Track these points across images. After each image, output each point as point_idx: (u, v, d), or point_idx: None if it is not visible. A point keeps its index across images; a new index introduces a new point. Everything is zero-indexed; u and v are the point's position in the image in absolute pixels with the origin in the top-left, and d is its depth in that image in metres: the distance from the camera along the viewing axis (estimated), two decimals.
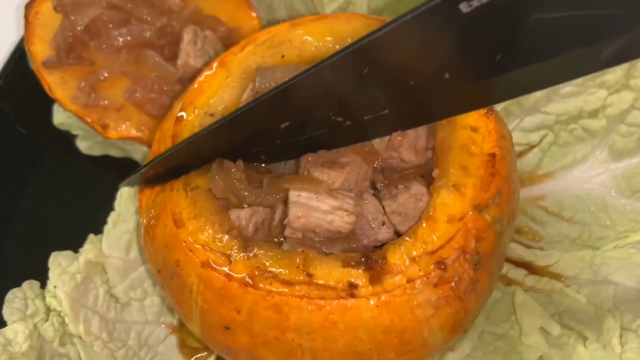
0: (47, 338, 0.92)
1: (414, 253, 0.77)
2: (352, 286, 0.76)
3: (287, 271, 0.77)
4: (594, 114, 1.11)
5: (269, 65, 0.89)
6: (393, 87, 0.77)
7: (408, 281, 0.76)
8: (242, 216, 0.81)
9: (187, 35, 1.09)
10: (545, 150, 1.17)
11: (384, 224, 0.83)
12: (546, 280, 1.08)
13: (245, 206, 0.83)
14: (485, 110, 0.86)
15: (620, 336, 0.96)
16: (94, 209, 1.07)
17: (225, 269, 0.78)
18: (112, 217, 1.05)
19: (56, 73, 1.10)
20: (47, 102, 1.13)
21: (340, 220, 0.80)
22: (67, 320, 0.94)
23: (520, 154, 1.18)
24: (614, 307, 1.02)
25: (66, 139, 1.15)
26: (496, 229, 0.83)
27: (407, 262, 0.77)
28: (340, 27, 0.90)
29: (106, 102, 1.09)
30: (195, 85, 0.91)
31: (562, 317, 1.05)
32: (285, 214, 0.82)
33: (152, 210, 0.88)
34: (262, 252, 0.78)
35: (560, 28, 0.67)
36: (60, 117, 1.14)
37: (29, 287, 0.95)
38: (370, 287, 0.76)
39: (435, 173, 0.82)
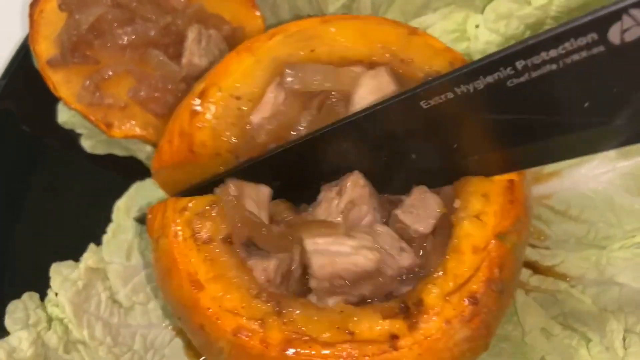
0: (51, 346, 0.92)
1: (447, 289, 0.76)
2: (394, 337, 0.74)
3: (328, 333, 0.74)
4: None
5: (298, 57, 0.86)
6: (425, 147, 0.79)
7: (445, 322, 0.75)
8: (270, 269, 0.78)
9: (191, 34, 1.07)
10: None
11: (402, 249, 0.81)
12: (551, 280, 1.07)
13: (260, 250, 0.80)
14: None
15: (624, 339, 0.95)
16: (95, 217, 1.06)
17: (260, 336, 0.74)
18: (111, 228, 1.05)
19: (61, 72, 1.08)
20: (51, 101, 1.12)
21: (365, 259, 0.77)
22: (70, 326, 0.94)
23: None
24: (619, 309, 1.01)
25: (70, 138, 1.14)
26: (516, 254, 0.83)
27: (442, 301, 0.76)
28: (371, 31, 0.88)
29: (110, 101, 1.07)
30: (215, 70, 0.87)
31: (566, 318, 1.04)
32: (302, 258, 0.80)
33: (159, 258, 0.83)
34: (297, 313, 0.75)
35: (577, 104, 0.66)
36: (64, 116, 1.13)
37: (29, 298, 0.95)
38: (410, 336, 0.75)
39: (456, 204, 0.82)
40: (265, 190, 0.86)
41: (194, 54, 1.07)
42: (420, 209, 0.82)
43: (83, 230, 1.05)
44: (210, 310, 0.75)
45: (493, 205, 0.80)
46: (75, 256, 1.02)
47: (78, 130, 1.14)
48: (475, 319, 0.77)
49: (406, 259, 0.81)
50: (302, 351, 0.73)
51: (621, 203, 1.12)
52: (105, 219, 1.06)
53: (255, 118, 0.85)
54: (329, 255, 0.78)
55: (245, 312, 0.75)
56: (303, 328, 0.74)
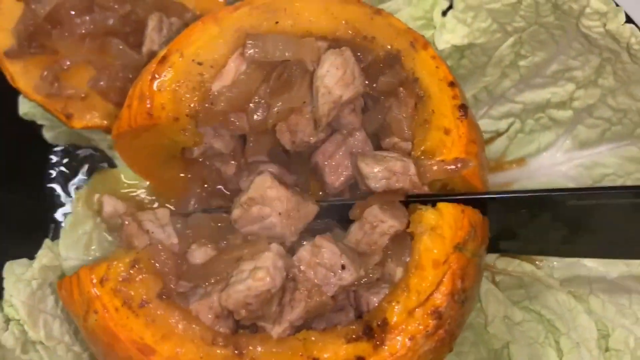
0: (8, 347, 0.85)
1: (410, 306, 0.73)
2: (359, 359, 0.71)
3: None
4: (561, 105, 1.04)
5: (261, 29, 0.81)
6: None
7: (410, 339, 0.72)
8: (215, 304, 0.73)
9: (151, 22, 0.99)
10: (512, 137, 1.10)
11: (344, 267, 0.75)
12: (517, 262, 1.01)
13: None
14: (460, 114, 0.81)
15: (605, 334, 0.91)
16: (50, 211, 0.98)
17: None
18: (68, 220, 0.97)
19: (18, 63, 0.99)
20: (12, 93, 1.03)
21: (256, 281, 0.71)
22: (26, 327, 0.87)
23: (488, 142, 1.11)
24: (590, 292, 0.95)
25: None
26: (476, 261, 0.79)
27: (405, 318, 0.73)
28: (336, 7, 0.83)
29: (70, 92, 0.99)
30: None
31: (532, 303, 0.98)
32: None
33: (94, 335, 0.75)
34: (258, 350, 0.71)
35: None
36: (25, 108, 1.05)
37: None
38: (376, 355, 0.71)
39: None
40: (162, 212, 0.82)
41: (154, 42, 0.99)
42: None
43: (38, 225, 0.96)
44: None
45: (446, 217, 0.76)
46: (30, 253, 0.94)
47: (39, 122, 1.06)
48: (439, 330, 0.74)
49: (347, 277, 0.75)
50: None
51: None
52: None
53: (216, 86, 0.79)
54: (229, 286, 0.73)
55: None
56: None
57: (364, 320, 0.74)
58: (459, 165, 0.77)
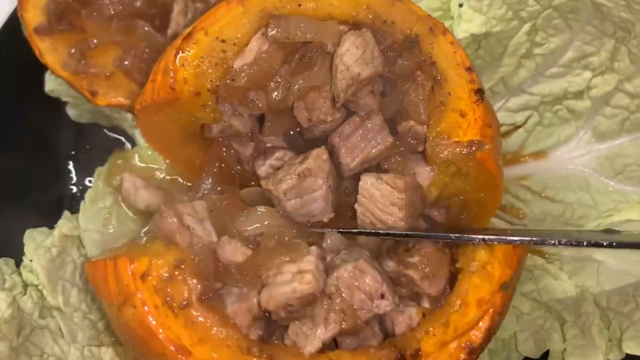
0: (26, 310, 0.85)
1: (446, 339, 0.74)
2: None
3: None
4: (578, 95, 1.03)
5: (284, 11, 0.80)
6: None
7: None
8: (254, 307, 0.74)
9: (177, 6, 1.00)
10: (530, 130, 1.09)
11: (382, 296, 0.75)
12: (529, 255, 0.99)
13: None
14: (476, 98, 0.80)
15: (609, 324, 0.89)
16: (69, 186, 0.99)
17: None
18: (89, 194, 0.97)
19: (47, 39, 1.01)
20: (40, 70, 1.04)
21: (301, 284, 0.72)
22: (45, 292, 0.88)
23: (506, 134, 1.10)
24: (598, 285, 0.94)
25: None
26: (510, 293, 0.79)
27: (439, 348, 0.73)
28: None
29: (96, 70, 1.01)
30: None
31: (541, 294, 0.97)
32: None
33: (129, 327, 0.75)
34: None
35: None
36: (51, 84, 1.06)
37: (5, 263, 0.89)
38: None
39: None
40: (200, 204, 0.81)
41: (179, 25, 1.00)
42: (432, 267, 0.77)
43: (59, 198, 0.97)
44: None
45: (497, 254, 0.77)
46: (50, 224, 0.94)
47: (64, 99, 1.07)
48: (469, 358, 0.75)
49: (384, 307, 0.75)
50: None
51: (596, 185, 1.05)
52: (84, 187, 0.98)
53: (237, 64, 0.79)
54: (269, 287, 0.73)
55: None
56: None
57: (397, 346, 0.73)
58: (474, 147, 0.76)
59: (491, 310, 0.74)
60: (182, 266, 0.73)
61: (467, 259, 0.77)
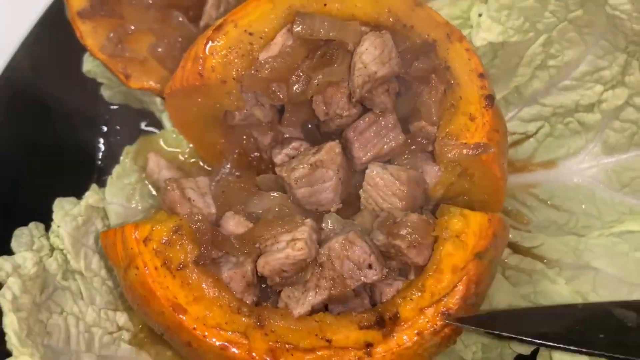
0: (50, 271, 0.90)
1: (423, 304, 0.77)
2: (368, 345, 0.75)
3: (308, 340, 0.75)
4: (589, 108, 1.05)
5: (310, 9, 0.84)
6: None
7: (418, 334, 0.76)
8: (249, 274, 0.78)
9: None
10: (540, 140, 1.11)
11: (370, 266, 0.79)
12: (529, 260, 1.02)
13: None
14: (486, 103, 0.83)
15: None
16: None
17: (246, 347, 0.74)
18: (116, 170, 1.02)
19: (89, 23, 1.07)
20: (79, 51, 1.10)
21: (294, 251, 0.76)
22: (69, 257, 0.92)
23: (517, 143, 1.12)
24: (593, 291, 0.96)
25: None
26: (492, 268, 0.82)
27: (417, 314, 0.77)
28: None
29: (131, 54, 1.06)
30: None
31: (537, 297, 0.99)
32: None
33: (132, 287, 0.80)
34: (278, 324, 0.76)
35: None
36: (88, 65, 1.12)
37: (35, 227, 0.94)
38: (384, 344, 0.76)
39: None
40: (203, 180, 0.86)
41: (212, 17, 1.05)
42: (418, 235, 0.80)
43: (89, 172, 1.02)
44: (196, 328, 0.75)
45: (472, 226, 0.79)
46: (78, 194, 0.99)
47: (99, 80, 1.12)
48: (446, 329, 0.77)
49: (371, 276, 0.79)
50: (286, 359, 0.74)
51: (602, 197, 1.07)
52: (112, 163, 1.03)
53: (262, 56, 0.83)
54: (266, 254, 0.78)
55: (229, 327, 0.75)
56: (285, 337, 0.75)
57: (378, 311, 0.77)
58: (479, 149, 0.79)
59: (465, 277, 0.77)
60: (180, 232, 0.78)
61: (441, 227, 0.80)
